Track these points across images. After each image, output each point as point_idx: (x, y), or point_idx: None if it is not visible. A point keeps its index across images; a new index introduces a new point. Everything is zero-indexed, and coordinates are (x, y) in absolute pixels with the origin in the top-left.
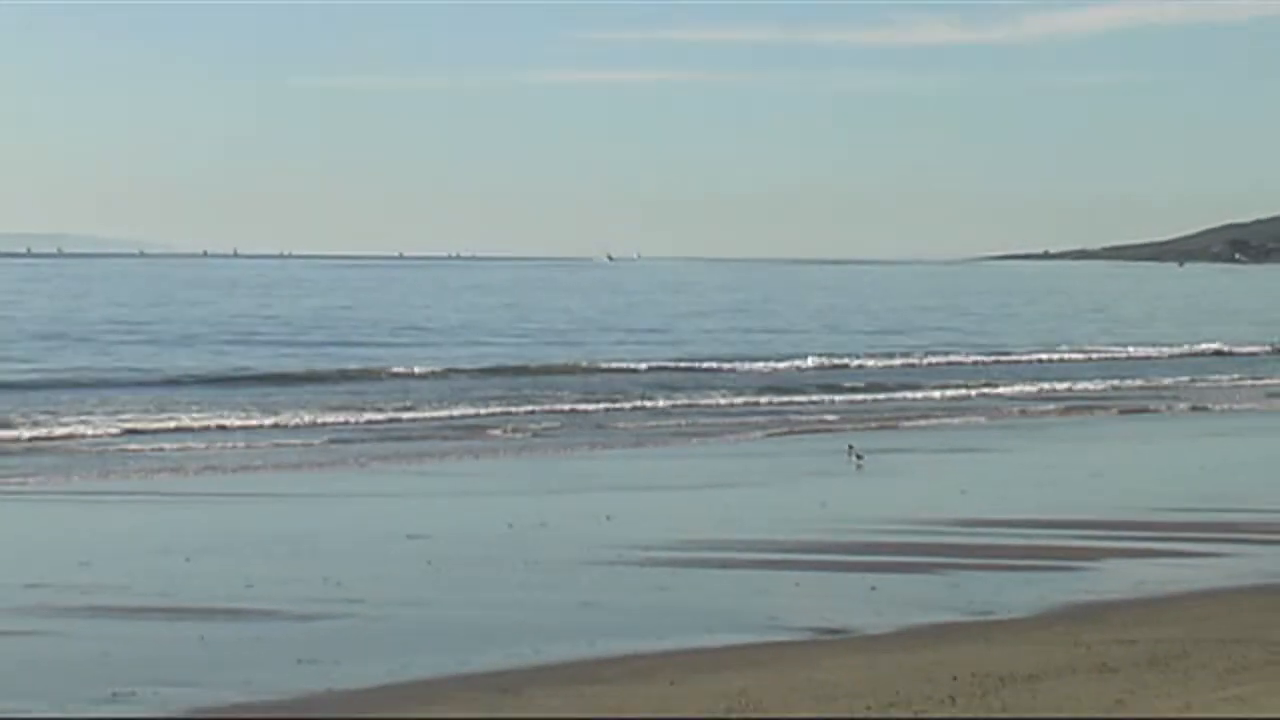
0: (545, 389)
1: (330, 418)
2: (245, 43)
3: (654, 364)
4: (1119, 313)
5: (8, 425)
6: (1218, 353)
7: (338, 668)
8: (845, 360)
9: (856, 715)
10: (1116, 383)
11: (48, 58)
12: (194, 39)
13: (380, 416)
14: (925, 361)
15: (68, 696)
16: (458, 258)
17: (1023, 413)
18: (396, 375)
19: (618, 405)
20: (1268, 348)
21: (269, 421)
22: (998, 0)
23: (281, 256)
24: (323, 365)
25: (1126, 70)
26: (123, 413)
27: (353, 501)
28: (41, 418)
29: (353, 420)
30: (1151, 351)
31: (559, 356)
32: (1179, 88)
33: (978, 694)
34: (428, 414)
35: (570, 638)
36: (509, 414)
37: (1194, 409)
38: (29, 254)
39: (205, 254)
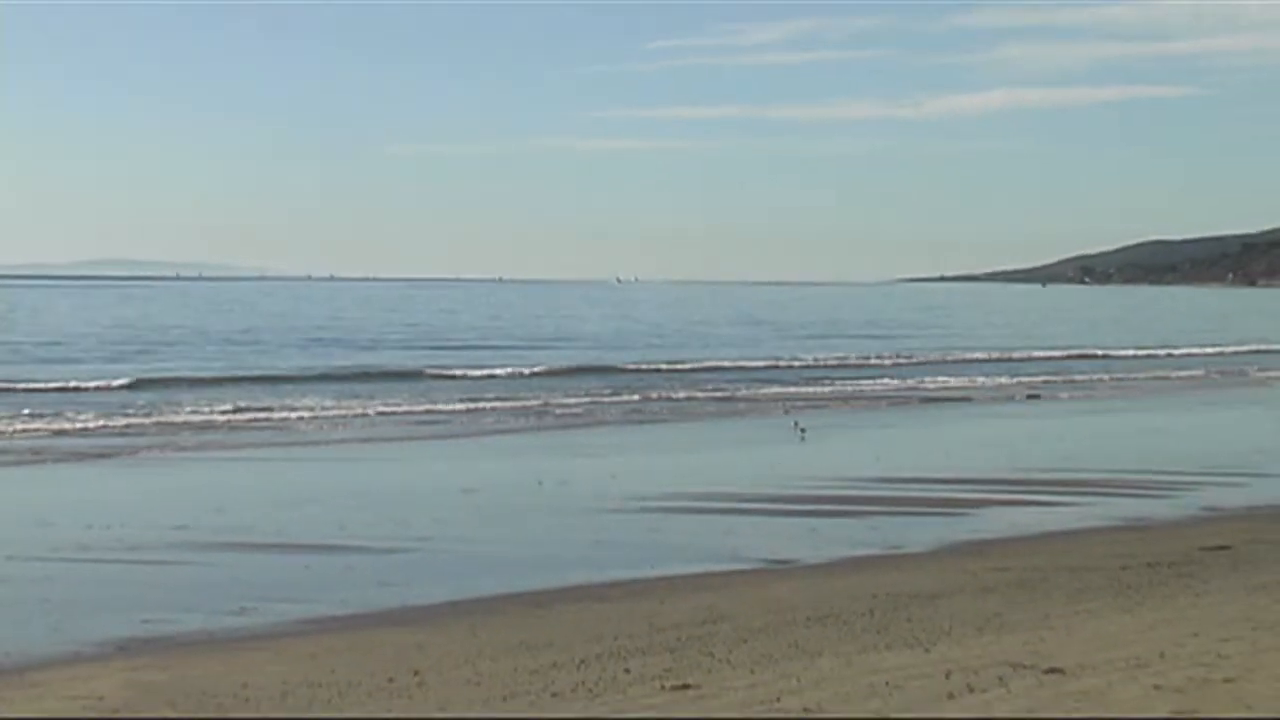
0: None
1: (428, 405)
2: (344, 111)
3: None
4: (1008, 322)
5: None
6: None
7: (409, 589)
8: (793, 359)
9: (798, 621)
10: (1008, 379)
11: (181, 128)
12: (299, 106)
13: (458, 406)
14: (853, 359)
15: (207, 611)
16: (500, 280)
17: (924, 400)
18: (496, 376)
19: (619, 397)
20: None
21: (373, 409)
22: (909, 86)
23: (370, 280)
24: (444, 363)
25: (1005, 139)
26: (258, 400)
27: (423, 465)
28: (203, 405)
29: (443, 407)
30: (1036, 353)
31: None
32: (1043, 152)
33: (890, 608)
34: (498, 405)
35: (585, 566)
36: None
37: (1071, 396)
38: (178, 278)
39: (309, 277)
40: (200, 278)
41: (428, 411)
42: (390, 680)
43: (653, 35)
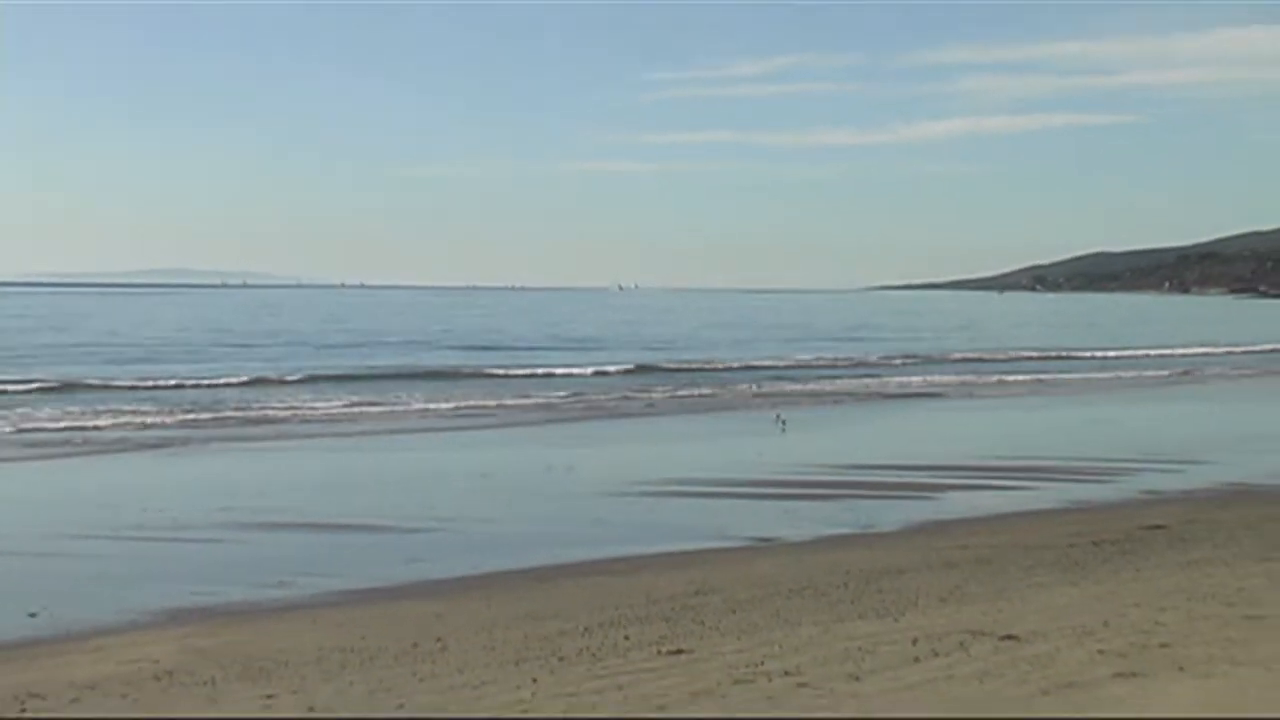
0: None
1: (482, 401)
2: (374, 137)
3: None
4: (973, 327)
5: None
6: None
7: (432, 564)
8: (780, 358)
9: (780, 593)
10: (971, 377)
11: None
12: (329, 131)
13: (497, 402)
14: (831, 358)
15: (250, 584)
16: (513, 288)
17: (894, 396)
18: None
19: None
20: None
21: (415, 405)
22: (881, 115)
23: (396, 287)
24: (506, 361)
25: (966, 162)
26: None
27: (448, 453)
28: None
29: (491, 403)
30: (995, 354)
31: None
32: (1000, 173)
33: (863, 581)
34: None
35: (587, 544)
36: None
37: (1032, 390)
38: (224, 285)
39: (343, 285)
40: (244, 285)
41: (499, 406)
42: (414, 646)
43: (651, 69)
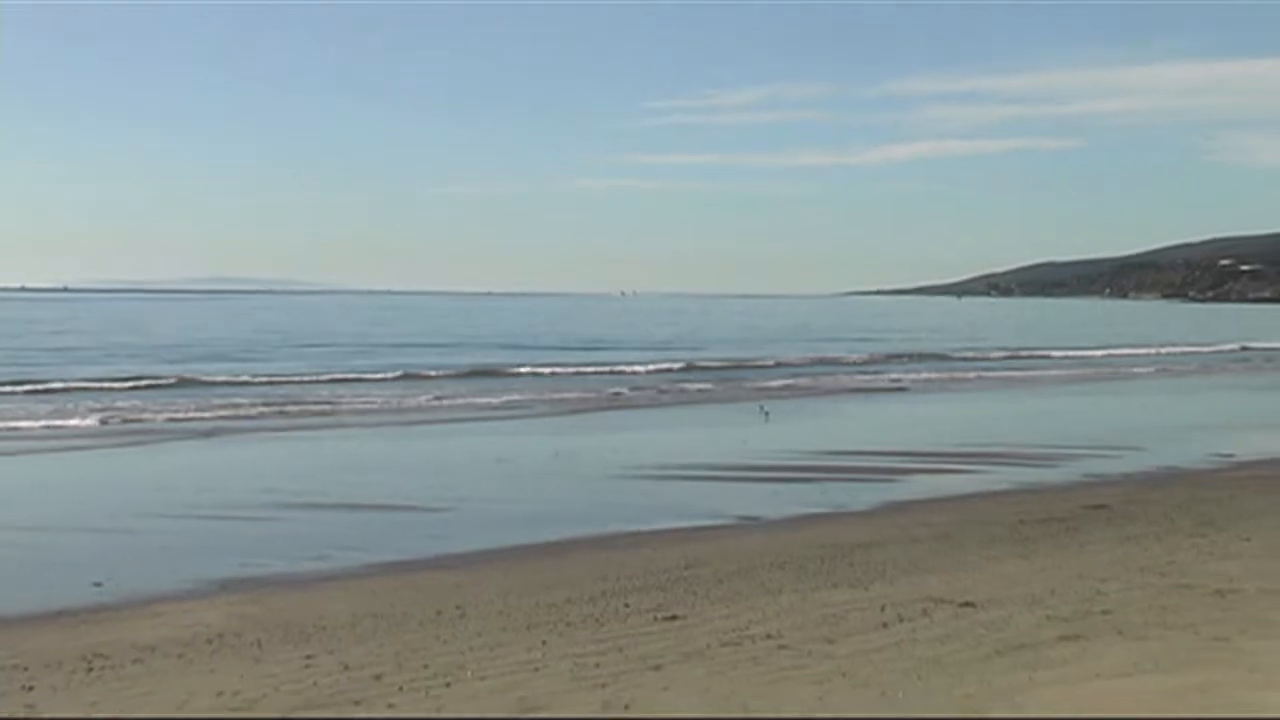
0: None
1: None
2: (400, 161)
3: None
4: (933, 327)
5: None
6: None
7: (453, 540)
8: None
9: (764, 566)
10: (932, 375)
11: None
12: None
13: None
14: (805, 356)
15: (291, 557)
16: (524, 294)
17: (866, 390)
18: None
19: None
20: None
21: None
22: (851, 139)
23: (421, 293)
24: (555, 360)
25: (928, 181)
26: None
27: (470, 440)
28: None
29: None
30: (958, 352)
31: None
32: (958, 191)
33: (836, 555)
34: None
35: (593, 522)
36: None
37: (1000, 384)
38: (269, 292)
39: (370, 291)
40: (287, 291)
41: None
42: (437, 612)
43: (649, 99)
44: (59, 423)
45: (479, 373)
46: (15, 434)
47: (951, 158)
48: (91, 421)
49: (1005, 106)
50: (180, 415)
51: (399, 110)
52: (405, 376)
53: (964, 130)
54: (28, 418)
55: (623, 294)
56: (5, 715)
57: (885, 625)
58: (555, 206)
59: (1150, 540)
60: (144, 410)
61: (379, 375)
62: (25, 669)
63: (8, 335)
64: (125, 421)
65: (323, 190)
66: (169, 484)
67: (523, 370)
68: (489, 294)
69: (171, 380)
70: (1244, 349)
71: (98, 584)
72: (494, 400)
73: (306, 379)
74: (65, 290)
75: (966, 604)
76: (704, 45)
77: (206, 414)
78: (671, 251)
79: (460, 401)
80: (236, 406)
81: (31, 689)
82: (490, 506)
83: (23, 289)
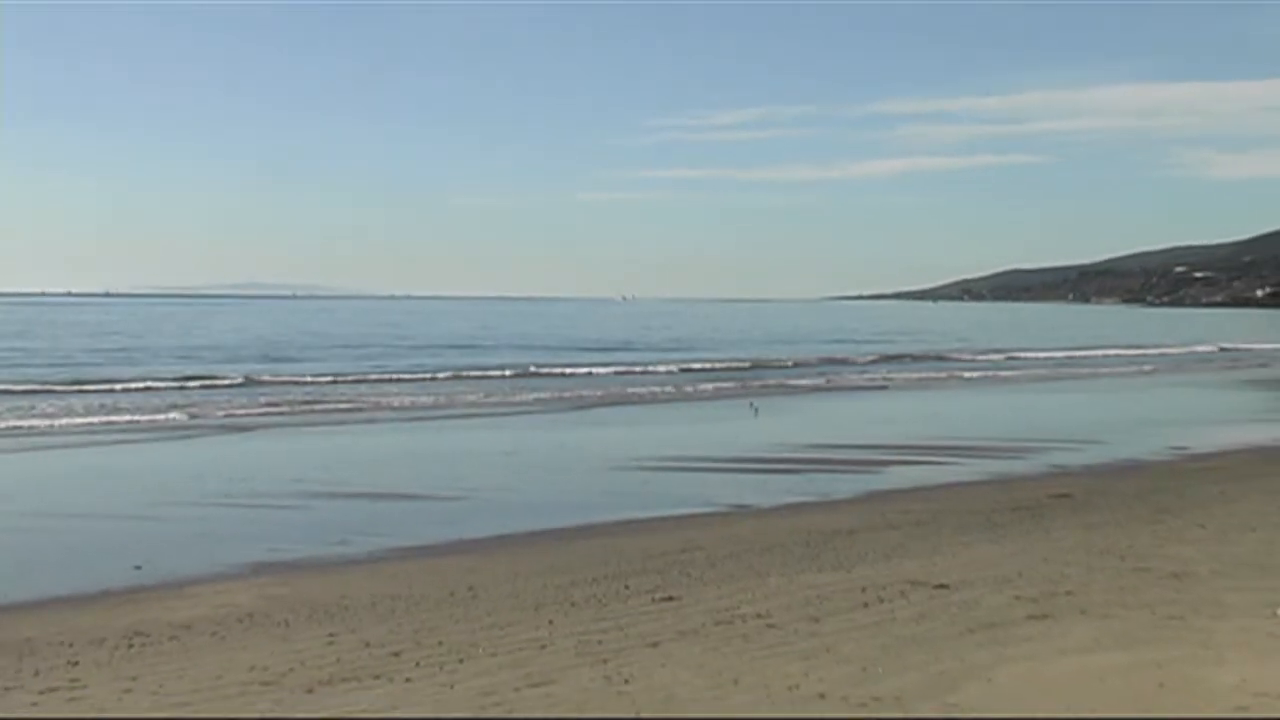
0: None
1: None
2: (420, 174)
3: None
4: (911, 329)
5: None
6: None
7: (464, 527)
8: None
9: (753, 550)
10: (912, 374)
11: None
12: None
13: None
14: (817, 356)
15: (316, 542)
16: (532, 298)
17: (848, 388)
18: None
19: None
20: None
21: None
22: (836, 155)
23: (436, 298)
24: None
25: (906, 194)
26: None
27: (479, 434)
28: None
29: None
30: (936, 352)
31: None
32: (934, 204)
33: (821, 540)
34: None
35: (596, 510)
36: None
37: (956, 384)
38: (295, 297)
39: (390, 296)
40: (313, 296)
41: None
42: (451, 594)
43: (649, 118)
44: (107, 419)
45: (518, 374)
46: (77, 429)
47: (928, 173)
48: (152, 417)
49: (977, 126)
50: (239, 411)
51: (419, 128)
52: (454, 377)
53: (940, 148)
54: (84, 413)
55: (623, 298)
56: (52, 687)
57: (866, 605)
58: (561, 217)
59: (1111, 527)
60: (195, 405)
61: (431, 375)
62: (71, 645)
63: (85, 335)
64: (192, 417)
65: (344, 202)
66: (204, 474)
67: (563, 371)
68: (500, 298)
69: (239, 379)
70: (1221, 349)
71: (138, 567)
72: (525, 398)
73: (372, 378)
74: (107, 295)
75: (941, 586)
76: (700, 69)
77: (254, 410)
78: (667, 259)
79: (490, 399)
80: (292, 403)
81: (76, 664)
82: (500, 496)
83: (68, 294)
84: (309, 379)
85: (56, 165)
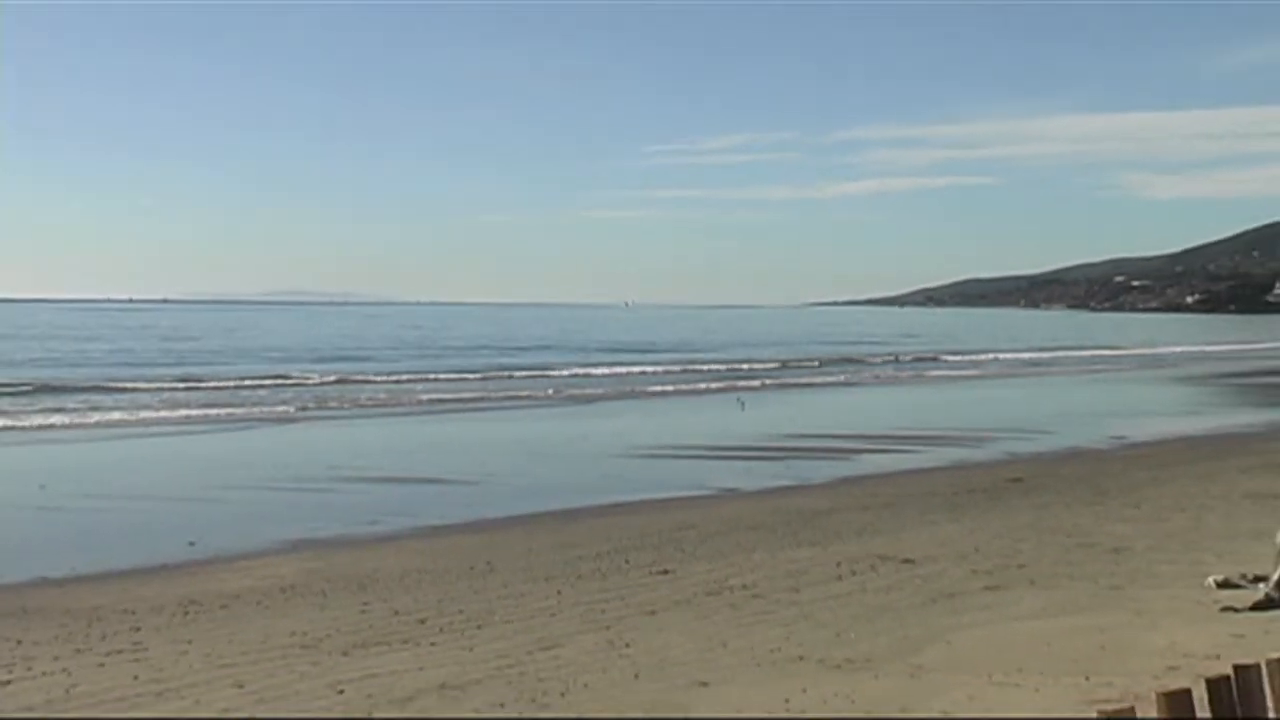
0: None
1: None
2: (443, 194)
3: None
4: (879, 334)
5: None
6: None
7: (483, 508)
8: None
9: (741, 528)
10: (883, 371)
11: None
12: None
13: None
14: (772, 359)
15: (350, 522)
16: (544, 304)
17: (824, 384)
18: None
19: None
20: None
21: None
22: (813, 177)
23: (456, 304)
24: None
25: (876, 212)
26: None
27: (496, 425)
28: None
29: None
30: (900, 352)
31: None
32: (901, 220)
33: (800, 520)
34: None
35: (599, 492)
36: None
37: (921, 379)
38: (330, 304)
39: (417, 302)
40: (348, 302)
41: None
42: (470, 568)
43: (648, 143)
44: (169, 413)
45: (533, 375)
46: (141, 422)
47: (895, 193)
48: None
49: (939, 151)
50: (329, 405)
51: (443, 155)
52: (483, 379)
53: (906, 170)
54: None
55: (626, 304)
56: (118, 649)
57: (840, 578)
58: (568, 232)
59: (1058, 507)
60: (265, 401)
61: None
62: (133, 613)
63: (176, 340)
64: (299, 409)
65: (374, 218)
66: (251, 462)
67: (601, 371)
68: (517, 304)
69: (333, 378)
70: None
71: (191, 543)
72: (538, 393)
73: (443, 378)
74: (165, 301)
75: (907, 560)
76: (693, 100)
77: (345, 404)
78: (666, 269)
79: (505, 394)
80: (371, 399)
81: (139, 629)
82: (514, 480)
83: (130, 300)
84: (389, 378)
85: (112, 187)
